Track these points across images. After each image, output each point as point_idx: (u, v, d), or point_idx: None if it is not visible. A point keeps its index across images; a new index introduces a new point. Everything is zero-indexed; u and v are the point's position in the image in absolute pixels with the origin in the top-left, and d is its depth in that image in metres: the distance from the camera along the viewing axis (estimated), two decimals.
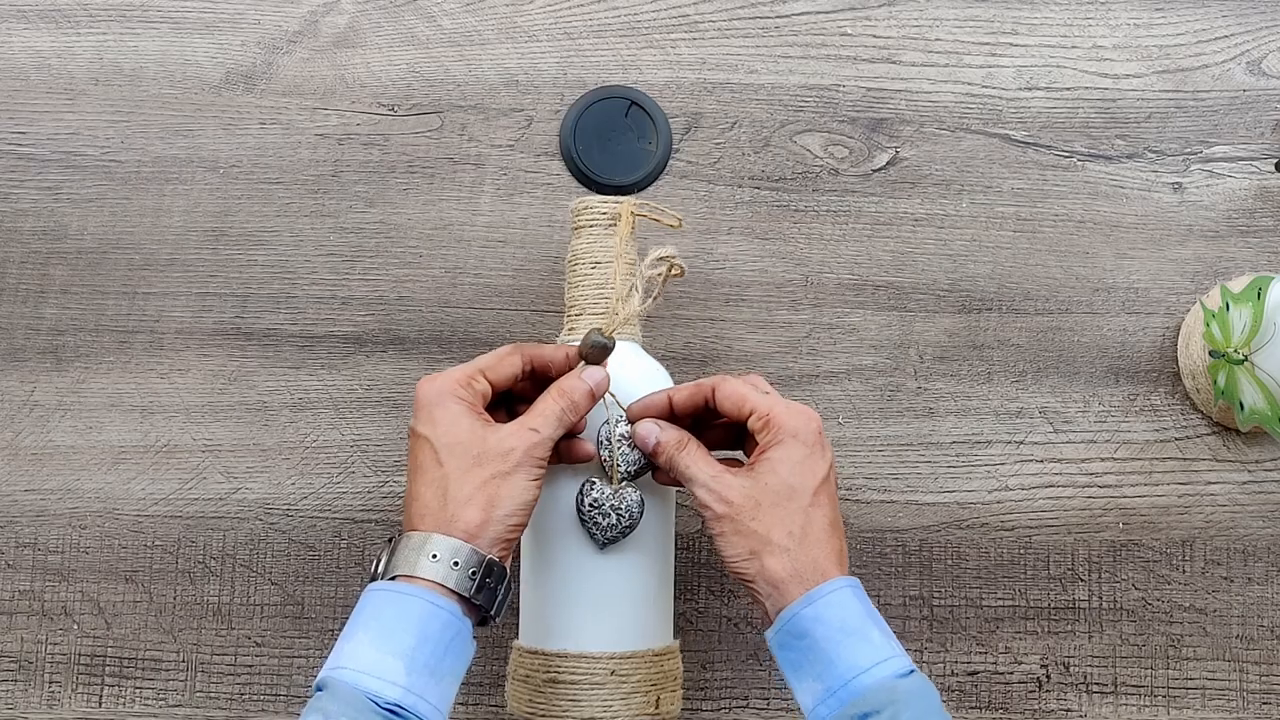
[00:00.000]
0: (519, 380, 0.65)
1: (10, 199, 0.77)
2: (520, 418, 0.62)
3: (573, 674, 0.65)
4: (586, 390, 0.63)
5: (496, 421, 0.63)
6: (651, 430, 0.64)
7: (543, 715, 0.65)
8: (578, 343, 0.65)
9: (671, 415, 0.65)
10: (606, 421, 0.66)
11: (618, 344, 0.66)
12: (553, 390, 0.63)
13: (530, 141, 0.79)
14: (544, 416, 0.62)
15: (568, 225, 0.78)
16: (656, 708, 0.65)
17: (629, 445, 0.65)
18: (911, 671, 0.59)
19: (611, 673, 0.64)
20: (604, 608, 0.66)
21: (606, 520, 0.64)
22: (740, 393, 0.64)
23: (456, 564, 0.58)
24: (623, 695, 0.64)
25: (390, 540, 0.61)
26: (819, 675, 0.58)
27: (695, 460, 0.63)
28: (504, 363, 0.64)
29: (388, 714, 0.55)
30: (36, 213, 0.77)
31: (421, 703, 0.56)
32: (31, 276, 0.77)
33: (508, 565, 0.61)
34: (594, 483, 0.65)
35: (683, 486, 0.64)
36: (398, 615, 0.58)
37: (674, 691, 0.67)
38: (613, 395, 0.66)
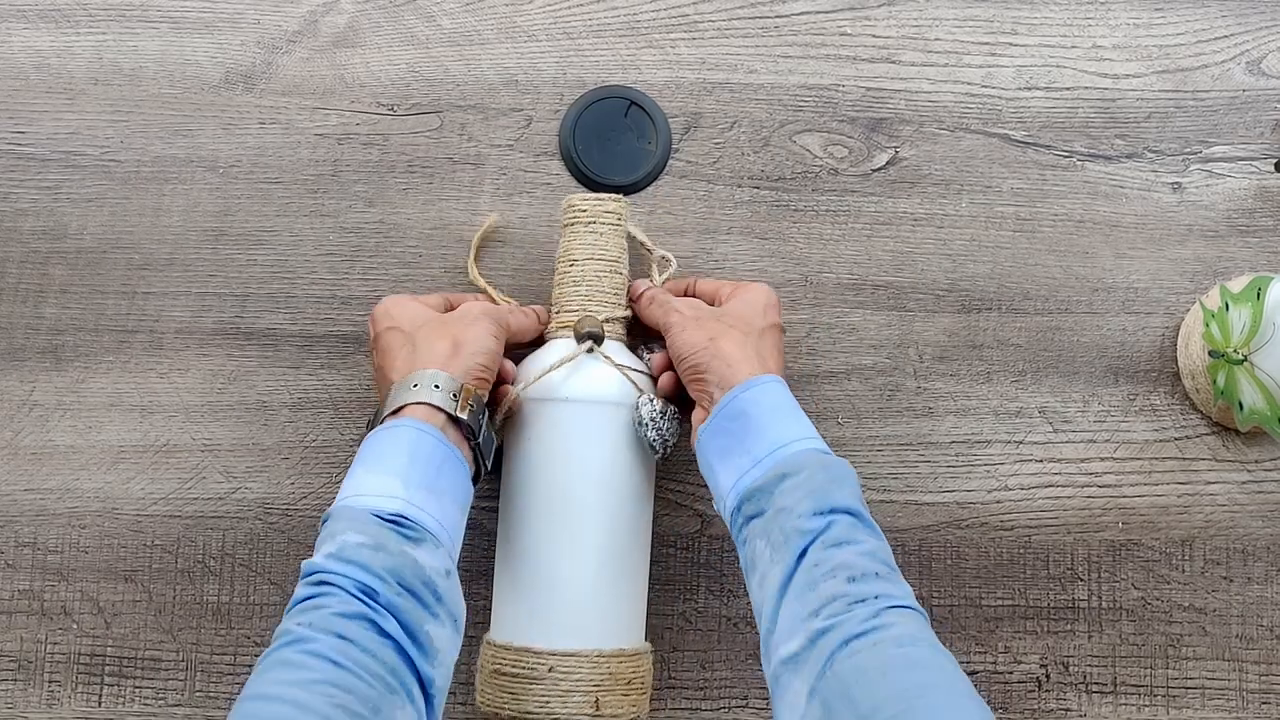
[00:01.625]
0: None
1: (10, 198, 0.77)
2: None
3: (513, 667, 0.66)
4: (534, 318, 0.72)
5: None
6: (639, 284, 0.73)
7: (488, 705, 0.67)
8: (563, 338, 0.70)
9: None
10: (639, 401, 0.69)
11: (605, 342, 0.70)
12: (518, 308, 0.73)
13: (530, 141, 0.79)
14: (508, 306, 0.73)
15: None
16: (597, 709, 0.66)
17: (663, 418, 0.69)
18: (830, 453, 0.63)
19: (550, 669, 0.65)
20: (551, 603, 0.67)
21: (648, 435, 0.69)
22: (712, 285, 0.73)
23: (437, 386, 0.63)
24: (560, 693, 0.65)
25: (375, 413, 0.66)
26: (748, 449, 0.63)
27: (669, 297, 0.71)
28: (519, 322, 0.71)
29: (392, 525, 0.58)
30: (36, 212, 0.77)
31: (422, 514, 0.59)
32: (31, 276, 0.77)
33: (484, 396, 0.65)
34: (649, 401, 0.69)
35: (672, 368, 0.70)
36: (389, 442, 0.62)
37: (622, 695, 0.67)
38: (632, 371, 0.70)
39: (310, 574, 0.57)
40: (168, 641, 0.75)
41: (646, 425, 0.68)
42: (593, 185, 0.78)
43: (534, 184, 0.78)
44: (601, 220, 0.71)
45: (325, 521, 0.59)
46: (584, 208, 0.71)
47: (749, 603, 0.76)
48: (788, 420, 0.64)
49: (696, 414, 0.67)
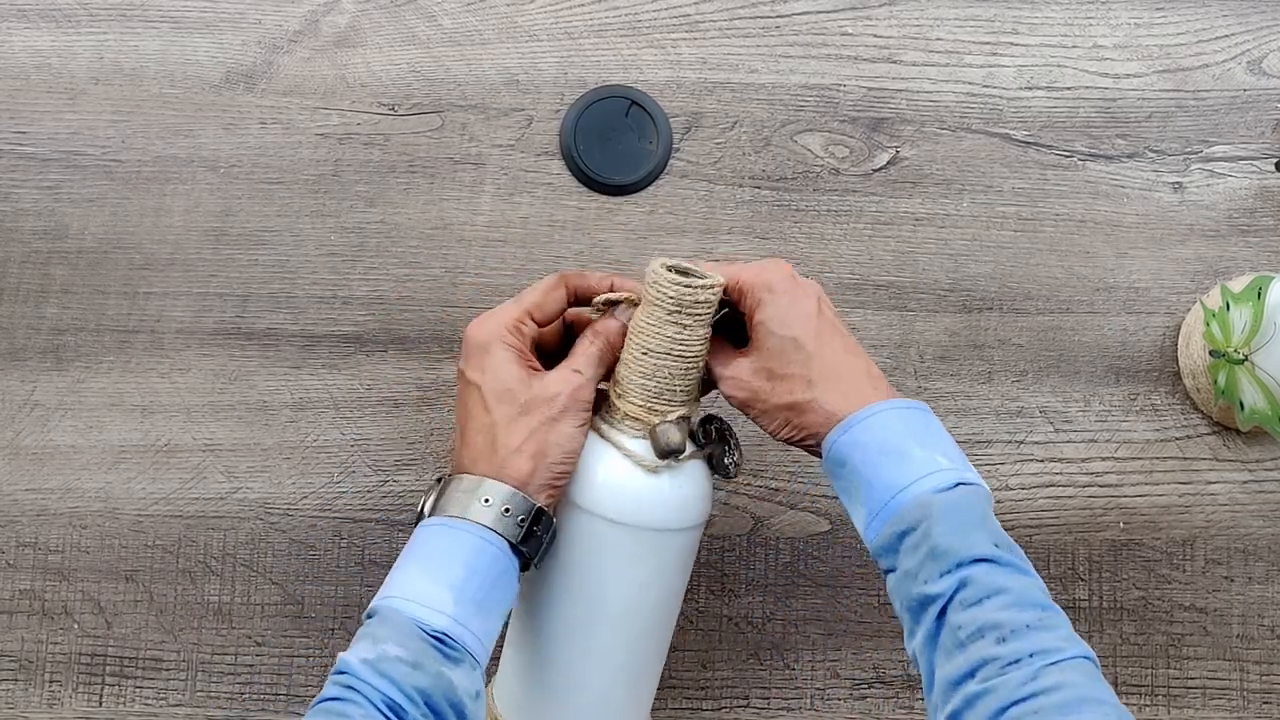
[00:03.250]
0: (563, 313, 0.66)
1: (11, 199, 0.77)
2: (563, 362, 0.62)
3: None
4: (619, 327, 0.63)
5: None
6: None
7: None
8: (622, 423, 0.63)
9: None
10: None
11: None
12: (588, 333, 0.63)
13: (531, 141, 0.79)
14: (585, 357, 0.62)
15: (569, 225, 0.78)
16: None
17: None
18: (956, 485, 0.56)
19: None
20: (568, 706, 0.63)
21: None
22: (723, 271, 0.63)
23: (508, 510, 0.59)
24: None
25: (439, 480, 0.62)
26: (863, 500, 0.58)
27: (711, 355, 0.64)
28: (550, 298, 0.64)
29: (435, 641, 0.56)
30: (37, 212, 0.77)
31: (467, 633, 0.57)
32: (32, 276, 0.77)
33: (553, 512, 0.61)
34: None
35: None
36: (449, 547, 0.59)
37: None
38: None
39: (341, 672, 0.55)
40: (169, 641, 0.75)
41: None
42: (594, 185, 0.78)
43: (535, 184, 0.78)
44: (688, 312, 0.60)
45: (369, 617, 0.57)
46: (670, 292, 0.59)
47: (749, 602, 0.76)
48: (894, 463, 0.57)
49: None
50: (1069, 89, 0.81)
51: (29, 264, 0.77)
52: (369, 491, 0.76)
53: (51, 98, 0.78)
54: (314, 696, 0.74)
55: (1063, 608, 0.77)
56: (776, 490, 0.77)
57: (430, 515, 0.60)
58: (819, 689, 0.76)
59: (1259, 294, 0.72)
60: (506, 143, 0.79)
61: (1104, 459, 0.78)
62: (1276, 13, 0.82)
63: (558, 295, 0.64)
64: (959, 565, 0.53)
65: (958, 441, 0.78)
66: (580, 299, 0.65)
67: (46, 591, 0.75)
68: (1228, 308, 0.74)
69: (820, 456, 0.60)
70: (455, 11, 0.79)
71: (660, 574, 0.62)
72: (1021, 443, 0.78)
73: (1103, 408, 0.79)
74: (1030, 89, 0.81)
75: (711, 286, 0.60)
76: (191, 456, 0.76)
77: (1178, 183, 0.80)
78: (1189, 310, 0.79)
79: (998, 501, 0.78)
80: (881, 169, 0.80)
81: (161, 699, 0.75)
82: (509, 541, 0.59)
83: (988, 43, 0.81)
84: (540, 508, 0.60)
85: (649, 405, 0.61)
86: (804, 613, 0.77)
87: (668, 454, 0.61)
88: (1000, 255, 0.79)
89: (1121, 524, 0.78)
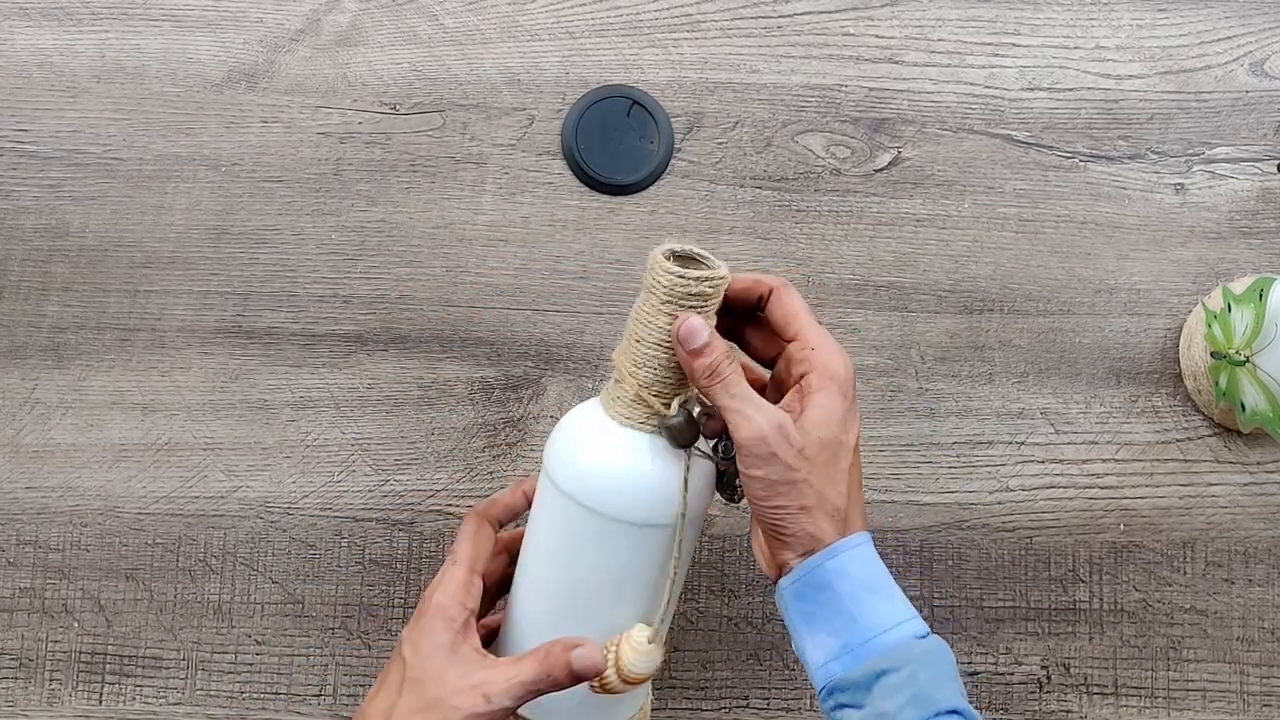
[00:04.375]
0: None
1: (12, 196, 0.77)
2: (490, 667, 0.57)
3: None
4: (569, 671, 0.57)
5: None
6: (699, 328, 0.55)
7: None
8: (615, 410, 0.58)
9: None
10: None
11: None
12: (540, 652, 0.57)
13: (532, 140, 0.79)
14: (509, 684, 0.56)
15: (570, 225, 0.78)
16: None
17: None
18: (928, 634, 0.57)
19: None
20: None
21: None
22: (795, 309, 0.58)
23: None
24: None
25: None
26: (836, 631, 0.55)
27: (741, 383, 0.56)
28: (481, 546, 0.62)
29: None
30: (38, 210, 0.77)
31: None
32: (33, 274, 0.77)
33: None
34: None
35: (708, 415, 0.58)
36: None
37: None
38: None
39: None
40: (169, 640, 0.75)
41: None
42: (595, 185, 0.78)
43: (536, 183, 0.78)
44: (682, 304, 0.56)
45: None
46: (664, 282, 0.55)
47: (749, 602, 0.76)
48: (879, 600, 0.56)
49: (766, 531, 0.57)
50: (1071, 90, 0.81)
51: (30, 262, 0.77)
52: (369, 491, 0.76)
53: (53, 95, 0.78)
54: (314, 695, 0.74)
55: (1063, 610, 0.77)
56: None
57: None
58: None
59: (1260, 295, 0.72)
60: (508, 142, 0.79)
61: (1104, 460, 0.78)
62: (1279, 14, 0.82)
63: (486, 536, 0.62)
64: (937, 715, 0.53)
65: (958, 442, 0.78)
66: (506, 521, 0.64)
67: (47, 590, 0.75)
68: (1229, 309, 0.74)
69: (779, 568, 0.57)
70: (457, 10, 0.79)
71: (656, 567, 0.59)
72: (1022, 444, 0.78)
73: (1103, 409, 0.79)
74: (1032, 90, 0.80)
75: (709, 279, 0.55)
76: (192, 455, 0.76)
77: (1179, 184, 0.80)
78: (1190, 312, 0.79)
79: (999, 503, 0.78)
80: (883, 170, 0.80)
81: (161, 697, 0.75)
82: None
83: (989, 44, 0.81)
84: None
85: (638, 394, 0.57)
86: None
87: (685, 444, 0.57)
88: (1001, 256, 0.79)
89: (1122, 526, 0.78)
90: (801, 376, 0.57)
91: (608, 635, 0.59)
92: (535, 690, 0.56)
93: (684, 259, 0.57)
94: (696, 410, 0.57)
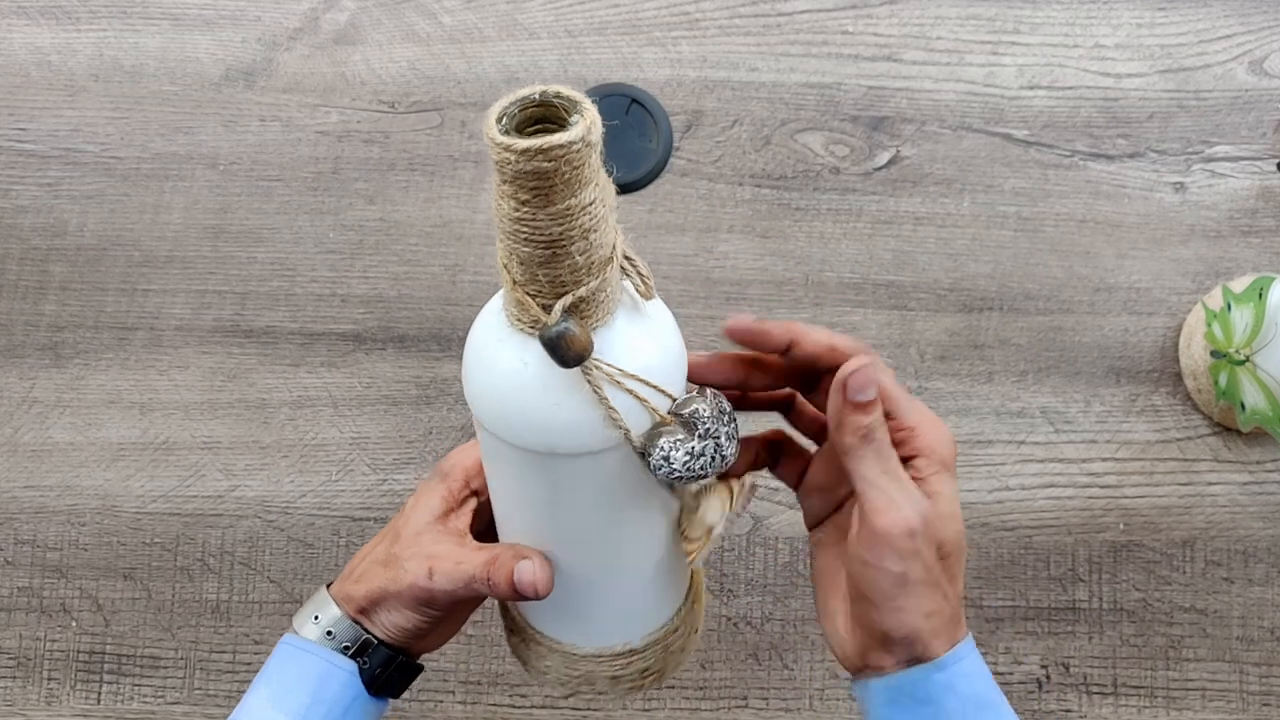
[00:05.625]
0: None
1: (10, 195, 0.77)
2: (458, 546, 0.53)
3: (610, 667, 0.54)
4: (509, 583, 0.51)
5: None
6: (869, 382, 0.46)
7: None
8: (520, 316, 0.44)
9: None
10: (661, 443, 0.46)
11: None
12: (492, 552, 0.52)
13: None
14: (455, 569, 0.52)
15: None
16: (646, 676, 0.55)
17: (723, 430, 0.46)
18: None
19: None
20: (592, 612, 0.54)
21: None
22: (886, 388, 0.48)
23: (331, 634, 0.54)
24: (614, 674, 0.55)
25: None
26: None
27: (894, 456, 0.47)
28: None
29: None
30: (36, 209, 0.77)
31: None
32: (31, 273, 0.77)
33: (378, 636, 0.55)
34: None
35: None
36: (297, 673, 0.54)
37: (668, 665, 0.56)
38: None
39: None
40: (166, 639, 0.75)
41: (655, 464, 0.45)
42: None
43: None
44: (521, 184, 0.41)
45: None
46: (494, 156, 0.41)
47: (749, 602, 0.76)
48: (989, 715, 0.49)
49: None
50: (1070, 89, 0.80)
51: (28, 261, 0.77)
52: (367, 490, 0.76)
53: (51, 94, 0.78)
54: None
55: (1062, 609, 0.77)
56: (776, 490, 0.77)
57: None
58: (818, 689, 0.76)
59: (1260, 294, 0.72)
60: None
61: (1104, 459, 0.78)
62: (1278, 13, 0.81)
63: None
64: None
65: (958, 440, 0.78)
66: None
67: (45, 589, 0.75)
68: (1229, 308, 0.74)
69: (867, 665, 0.49)
70: (455, 9, 0.79)
71: (558, 493, 0.48)
72: (1022, 443, 0.78)
73: (1103, 408, 0.79)
74: (1031, 88, 0.80)
75: (546, 152, 0.40)
76: (190, 454, 0.76)
77: (1179, 183, 0.80)
78: (1190, 311, 0.79)
79: (998, 502, 0.78)
80: (882, 168, 0.79)
81: (159, 696, 0.74)
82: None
83: (989, 42, 0.81)
84: (370, 639, 0.53)
85: (514, 295, 0.43)
86: (803, 613, 0.76)
87: (572, 362, 0.43)
88: (1001, 255, 0.79)
89: (1121, 525, 0.78)
90: (905, 460, 0.49)
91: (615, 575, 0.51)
92: (474, 588, 0.52)
93: (544, 108, 0.43)
94: (575, 319, 0.43)
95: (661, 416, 0.46)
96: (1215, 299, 0.76)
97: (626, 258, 0.46)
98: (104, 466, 0.76)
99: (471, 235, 0.78)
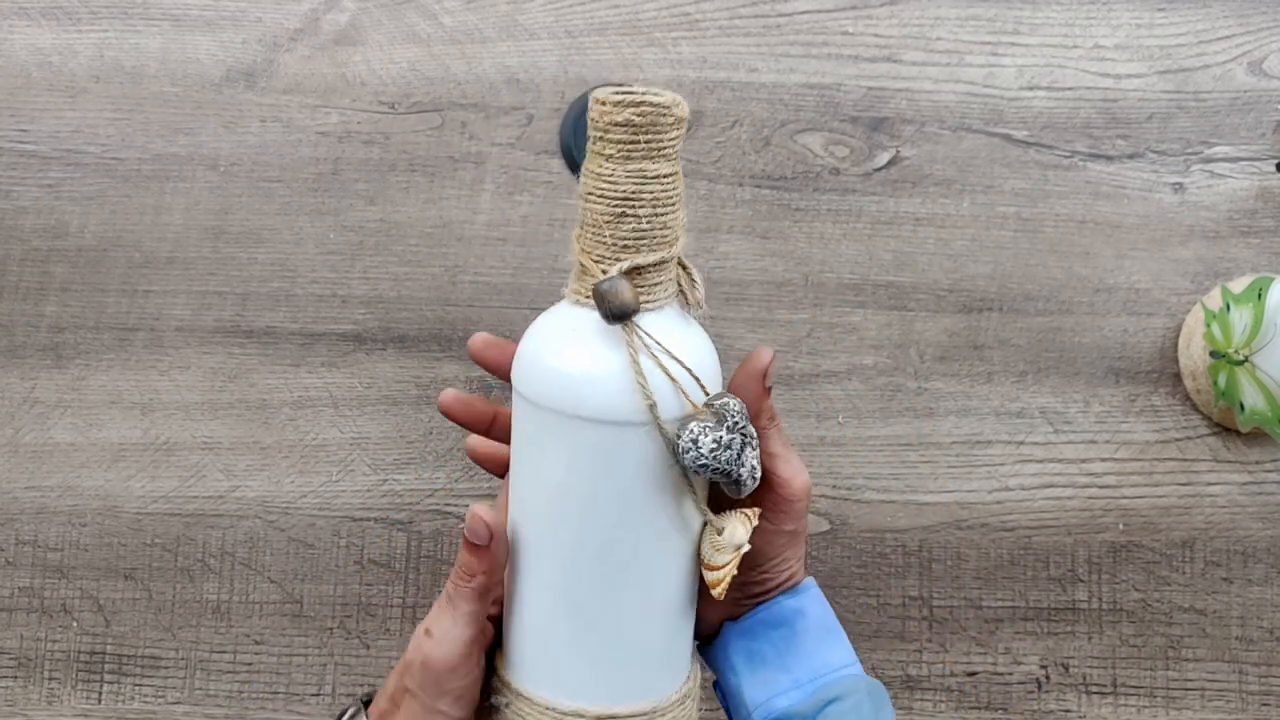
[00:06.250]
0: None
1: (11, 196, 0.77)
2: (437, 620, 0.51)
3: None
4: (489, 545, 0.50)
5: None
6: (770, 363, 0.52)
7: None
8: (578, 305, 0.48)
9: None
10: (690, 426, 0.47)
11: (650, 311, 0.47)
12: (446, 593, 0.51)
13: (531, 139, 0.79)
14: (451, 628, 0.51)
15: (569, 224, 0.78)
16: None
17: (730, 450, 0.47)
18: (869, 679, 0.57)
19: None
20: (612, 657, 0.51)
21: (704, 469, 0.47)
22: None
23: None
24: None
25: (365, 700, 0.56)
26: (786, 667, 0.55)
27: (783, 431, 0.54)
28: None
29: None
30: (37, 210, 0.77)
31: None
32: (32, 274, 0.77)
33: None
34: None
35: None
36: None
37: None
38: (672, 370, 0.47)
39: None
40: (167, 639, 0.75)
41: (684, 447, 0.46)
42: None
43: (535, 182, 0.78)
44: (609, 139, 0.46)
45: None
46: (593, 113, 0.47)
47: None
48: (833, 642, 0.56)
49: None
50: (1070, 89, 0.81)
51: (29, 262, 0.77)
52: (368, 490, 0.76)
53: (52, 95, 0.78)
54: (312, 695, 0.74)
55: (1062, 609, 0.77)
56: None
57: None
58: None
59: (1259, 295, 0.72)
60: (506, 141, 0.79)
61: (1103, 460, 0.78)
62: (1277, 14, 0.82)
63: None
64: None
65: (957, 441, 0.78)
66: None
67: (45, 589, 0.75)
68: (1228, 309, 0.74)
69: (729, 615, 0.55)
70: (455, 10, 0.79)
71: (575, 473, 0.48)
72: (1021, 443, 0.78)
73: (1102, 408, 0.79)
74: (1031, 89, 0.80)
75: (637, 105, 0.45)
76: (190, 455, 0.76)
77: (1178, 183, 0.80)
78: (1189, 311, 0.79)
79: (998, 502, 0.78)
80: (882, 169, 0.79)
81: (160, 697, 0.75)
82: None
83: (988, 42, 0.81)
84: None
85: (580, 261, 0.48)
86: None
87: (615, 315, 0.46)
88: (1000, 255, 0.79)
89: (1121, 525, 0.78)
90: None
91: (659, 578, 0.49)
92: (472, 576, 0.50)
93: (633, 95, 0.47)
94: (627, 275, 0.47)
95: (694, 405, 0.47)
96: (1214, 299, 0.76)
97: (683, 267, 0.50)
98: (105, 467, 0.76)
99: (471, 236, 0.78)
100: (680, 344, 0.48)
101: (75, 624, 0.75)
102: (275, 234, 0.77)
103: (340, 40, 0.79)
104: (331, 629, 0.75)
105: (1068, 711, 0.77)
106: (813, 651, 0.55)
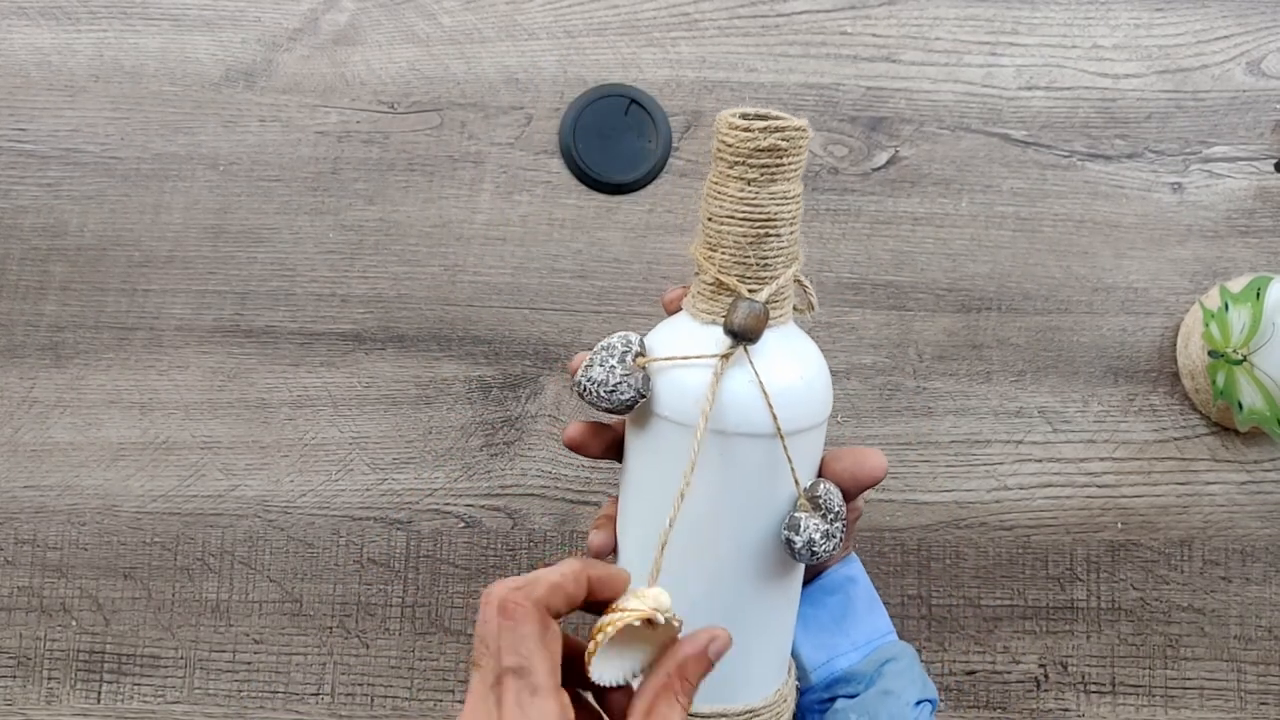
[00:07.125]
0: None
1: (10, 196, 0.77)
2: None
3: None
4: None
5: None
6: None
7: None
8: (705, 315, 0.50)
9: None
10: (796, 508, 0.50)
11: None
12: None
13: (530, 139, 0.79)
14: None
15: (568, 224, 0.78)
16: None
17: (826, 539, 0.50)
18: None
19: None
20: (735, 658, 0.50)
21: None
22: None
23: None
24: None
25: None
26: (846, 630, 0.58)
27: None
28: (557, 649, 0.45)
29: None
30: (36, 209, 0.77)
31: None
32: (31, 273, 0.77)
33: None
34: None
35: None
36: None
37: None
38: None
39: None
40: (166, 638, 0.75)
41: (800, 546, 0.49)
42: (593, 184, 0.78)
43: (534, 182, 0.78)
44: (752, 163, 0.48)
45: None
46: (729, 139, 0.48)
47: None
48: (879, 609, 0.60)
49: None
50: (1068, 89, 0.81)
51: (28, 261, 0.77)
52: (367, 489, 0.76)
53: (51, 95, 0.78)
54: (311, 694, 0.75)
55: (1060, 608, 0.77)
56: None
57: None
58: None
59: (1258, 294, 0.72)
60: (506, 141, 0.79)
61: (1102, 459, 0.78)
62: (1276, 14, 0.82)
63: (555, 636, 0.45)
64: (926, 700, 0.57)
65: (956, 440, 0.78)
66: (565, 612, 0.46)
67: (45, 588, 0.75)
68: (1226, 308, 0.74)
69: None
70: (455, 9, 0.79)
71: (724, 487, 0.50)
72: (1020, 443, 0.78)
73: (1101, 408, 0.79)
74: (1029, 89, 0.80)
75: (781, 129, 0.47)
76: (190, 454, 0.76)
77: (1177, 183, 0.80)
78: (1188, 311, 0.79)
79: (997, 501, 0.78)
80: (880, 168, 0.80)
81: (159, 696, 0.75)
82: None
83: (987, 42, 0.81)
84: None
85: (718, 280, 0.50)
86: None
87: (740, 335, 0.48)
88: (999, 255, 0.79)
89: (1119, 524, 0.78)
90: None
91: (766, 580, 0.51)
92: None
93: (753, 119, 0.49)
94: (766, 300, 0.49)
95: (801, 499, 0.50)
96: (1213, 299, 0.76)
97: (796, 278, 0.52)
98: (104, 466, 0.76)
99: (471, 235, 0.78)
100: (781, 369, 0.49)
101: (74, 623, 0.75)
102: (274, 233, 0.77)
103: (339, 40, 0.79)
104: (331, 628, 0.75)
105: (1066, 710, 0.77)
106: (864, 616, 0.59)
